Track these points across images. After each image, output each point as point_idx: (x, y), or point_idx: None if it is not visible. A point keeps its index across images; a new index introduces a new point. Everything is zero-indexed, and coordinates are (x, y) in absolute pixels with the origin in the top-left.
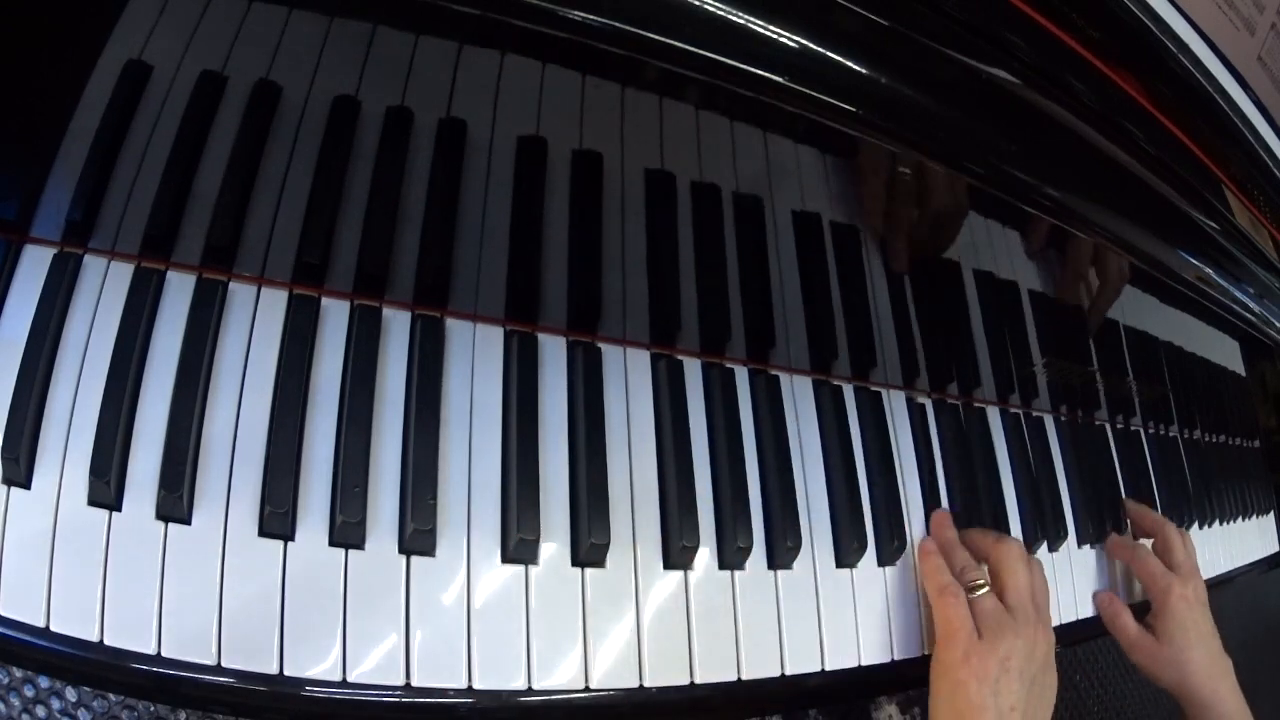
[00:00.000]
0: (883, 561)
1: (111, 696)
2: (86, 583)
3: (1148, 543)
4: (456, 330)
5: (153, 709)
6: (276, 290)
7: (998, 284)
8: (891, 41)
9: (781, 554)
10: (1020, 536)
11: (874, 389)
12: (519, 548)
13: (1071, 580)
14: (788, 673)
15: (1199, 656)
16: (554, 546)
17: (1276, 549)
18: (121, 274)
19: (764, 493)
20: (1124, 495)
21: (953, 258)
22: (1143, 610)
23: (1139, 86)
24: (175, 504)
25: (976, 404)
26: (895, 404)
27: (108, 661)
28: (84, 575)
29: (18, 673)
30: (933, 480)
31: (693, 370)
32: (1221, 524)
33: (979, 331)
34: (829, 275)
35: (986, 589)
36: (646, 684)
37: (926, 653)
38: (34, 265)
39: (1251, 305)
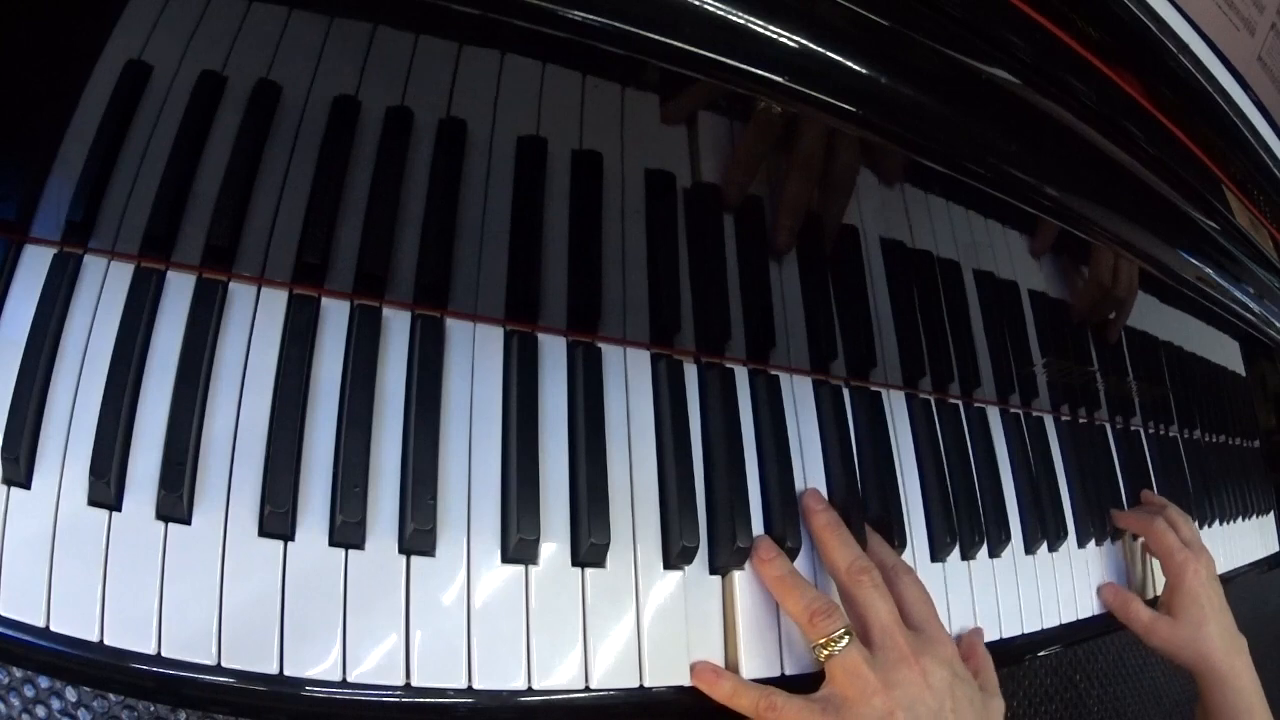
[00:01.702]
0: None
1: (111, 696)
2: (86, 583)
3: None
4: (456, 330)
5: (153, 709)
6: (276, 290)
7: (998, 284)
8: (891, 41)
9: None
10: (1020, 536)
11: (874, 389)
12: (519, 548)
13: (1071, 580)
14: (788, 673)
15: (1216, 631)
16: (554, 546)
17: (1276, 549)
18: (121, 274)
19: (763, 493)
20: (1124, 495)
21: (952, 257)
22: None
23: (1139, 86)
24: (175, 504)
25: (976, 404)
26: (895, 404)
27: (108, 661)
28: (84, 575)
29: (18, 673)
30: (933, 480)
31: (692, 370)
32: (1221, 524)
33: (979, 331)
34: (829, 275)
35: (845, 641)
36: (646, 684)
37: None
38: (34, 265)
39: (1251, 305)
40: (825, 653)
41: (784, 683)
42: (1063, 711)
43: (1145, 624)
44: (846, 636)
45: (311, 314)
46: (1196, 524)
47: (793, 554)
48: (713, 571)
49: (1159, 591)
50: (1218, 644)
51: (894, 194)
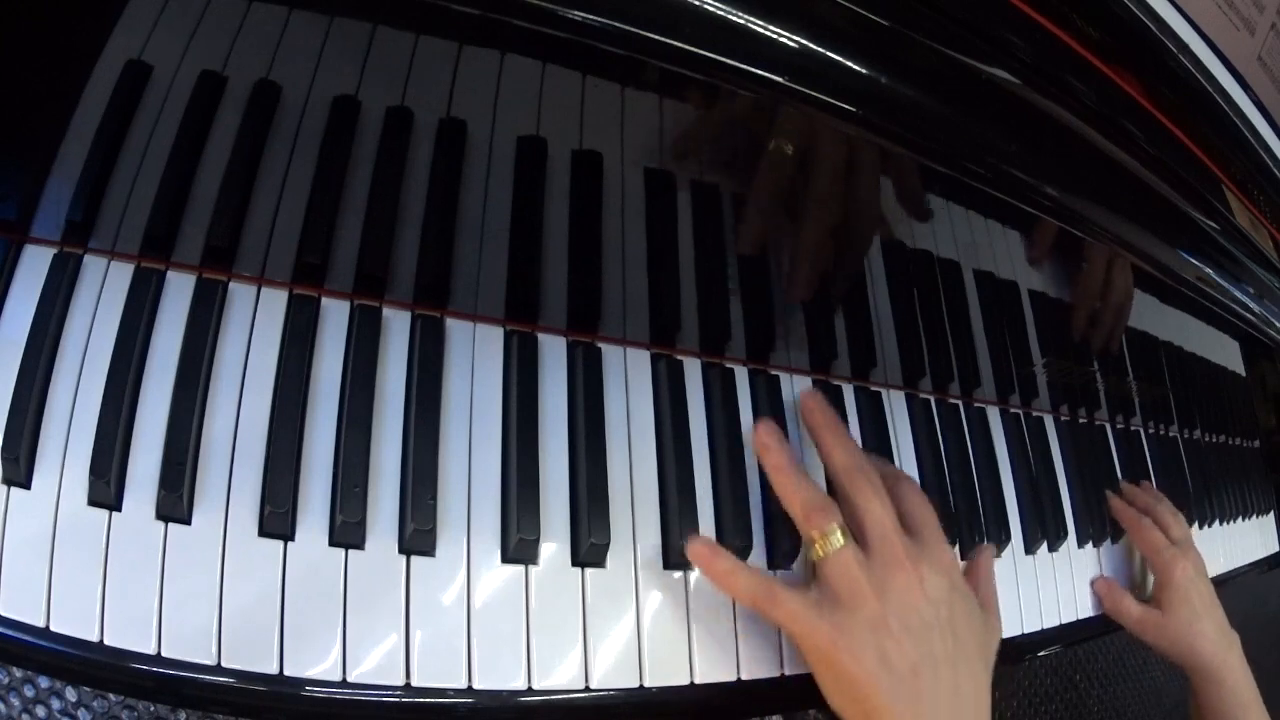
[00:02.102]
0: None
1: (111, 696)
2: (86, 583)
3: None
4: (456, 330)
5: (153, 709)
6: (276, 290)
7: (998, 284)
8: (891, 41)
9: (781, 554)
10: (1020, 536)
11: (874, 389)
12: (519, 548)
13: (1071, 580)
14: (788, 673)
15: (1208, 627)
16: (554, 546)
17: (1276, 549)
18: (121, 274)
19: (764, 493)
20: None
21: (952, 257)
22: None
23: (1139, 86)
24: (175, 504)
25: (976, 404)
26: (895, 404)
27: (108, 661)
28: (84, 575)
29: (18, 673)
30: (933, 480)
31: (693, 370)
32: (1221, 524)
33: (979, 331)
34: (828, 275)
35: (841, 542)
36: (647, 684)
37: None
38: (34, 265)
39: (1251, 305)
40: (819, 547)
41: (783, 684)
42: (1063, 711)
43: (1136, 618)
44: (841, 536)
45: (311, 314)
46: (1196, 524)
47: (793, 554)
48: None
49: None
50: (1210, 640)
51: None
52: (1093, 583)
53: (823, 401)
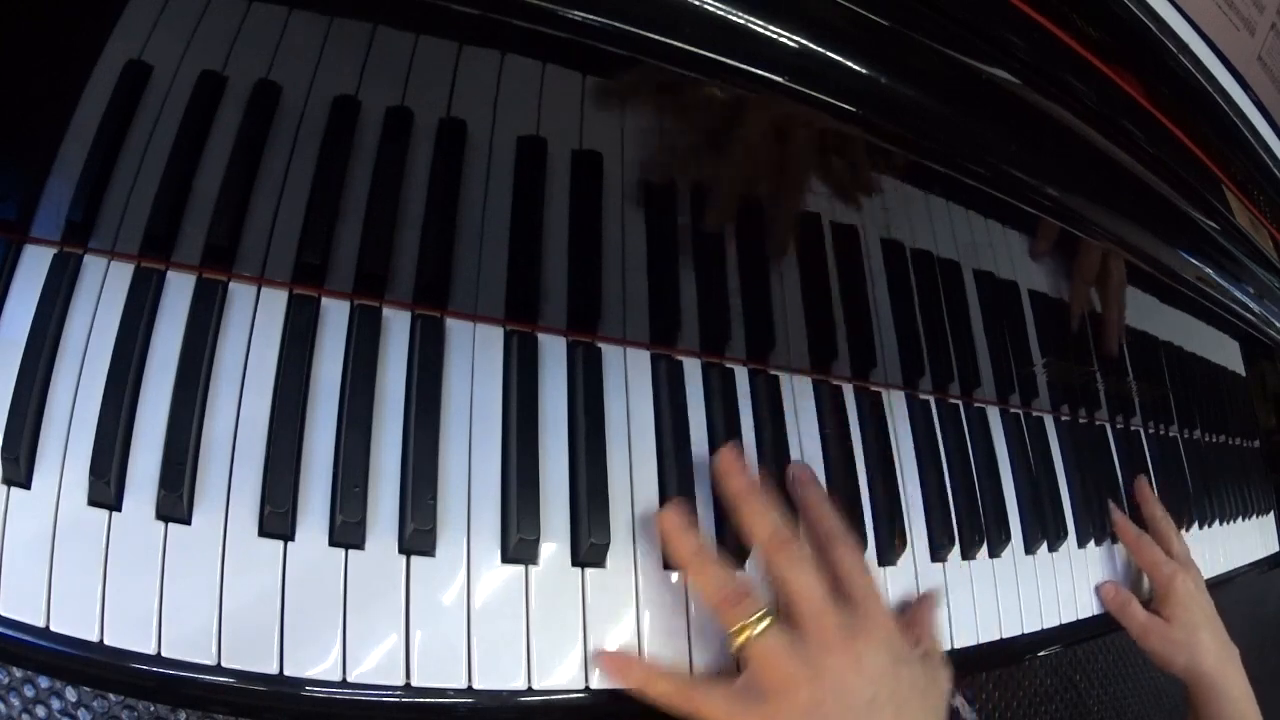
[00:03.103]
0: (882, 561)
1: (111, 696)
2: (86, 583)
3: None
4: (456, 330)
5: (153, 709)
6: (276, 290)
7: (998, 284)
8: (891, 41)
9: None
10: (1020, 536)
11: (874, 389)
12: (519, 548)
13: (1071, 580)
14: None
15: (1208, 638)
16: (554, 546)
17: (1276, 549)
18: (121, 274)
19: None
20: (1124, 495)
21: (952, 257)
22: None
23: (1139, 86)
24: (175, 504)
25: (976, 404)
26: (895, 404)
27: (108, 661)
28: (84, 575)
29: (18, 673)
30: (933, 480)
31: (693, 370)
32: (1221, 524)
33: (979, 331)
34: (829, 275)
35: (764, 625)
36: None
37: None
38: (34, 265)
39: (1251, 305)
40: (740, 639)
41: None
42: (1063, 711)
43: (1141, 624)
44: (765, 619)
45: (311, 314)
46: (1196, 524)
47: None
48: None
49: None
50: (1211, 651)
51: (894, 194)
52: (1099, 586)
53: (740, 463)
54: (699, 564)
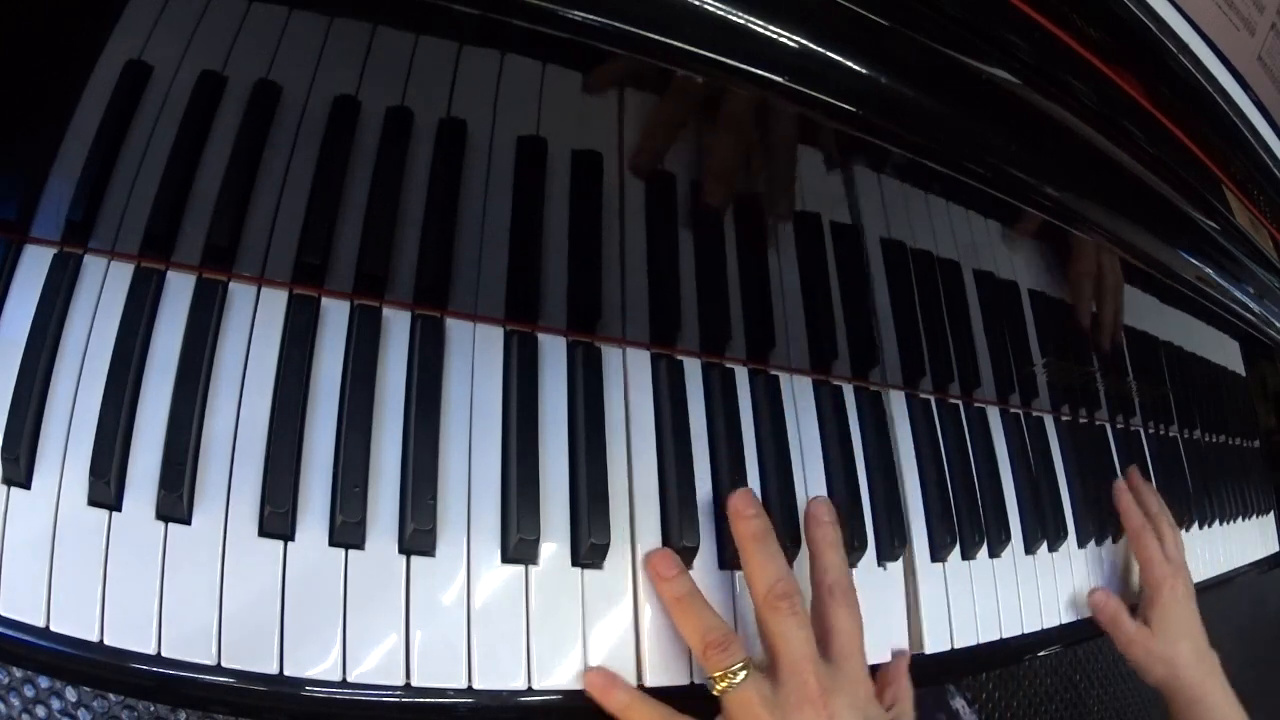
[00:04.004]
0: (883, 561)
1: (111, 696)
2: (86, 583)
3: None
4: (456, 330)
5: (153, 709)
6: (276, 290)
7: (998, 284)
8: (891, 41)
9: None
10: (1020, 536)
11: (874, 389)
12: (519, 548)
13: (1072, 580)
14: None
15: (1186, 650)
16: (554, 546)
17: (1276, 549)
18: (121, 274)
19: (763, 493)
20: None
21: (952, 258)
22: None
23: (1139, 86)
24: (175, 504)
25: (976, 404)
26: (895, 404)
27: (108, 661)
28: (84, 575)
29: (18, 673)
30: (933, 480)
31: (693, 370)
32: (1221, 524)
33: (979, 331)
34: (829, 275)
35: (742, 676)
36: (647, 683)
37: (924, 652)
38: (34, 265)
39: (1251, 305)
40: (721, 686)
41: None
42: (1063, 711)
43: (1129, 636)
44: (744, 671)
45: (311, 314)
46: (1196, 524)
47: (793, 552)
48: (722, 568)
49: None
50: (1188, 662)
51: (894, 193)
52: (1091, 593)
53: (755, 506)
54: (686, 608)
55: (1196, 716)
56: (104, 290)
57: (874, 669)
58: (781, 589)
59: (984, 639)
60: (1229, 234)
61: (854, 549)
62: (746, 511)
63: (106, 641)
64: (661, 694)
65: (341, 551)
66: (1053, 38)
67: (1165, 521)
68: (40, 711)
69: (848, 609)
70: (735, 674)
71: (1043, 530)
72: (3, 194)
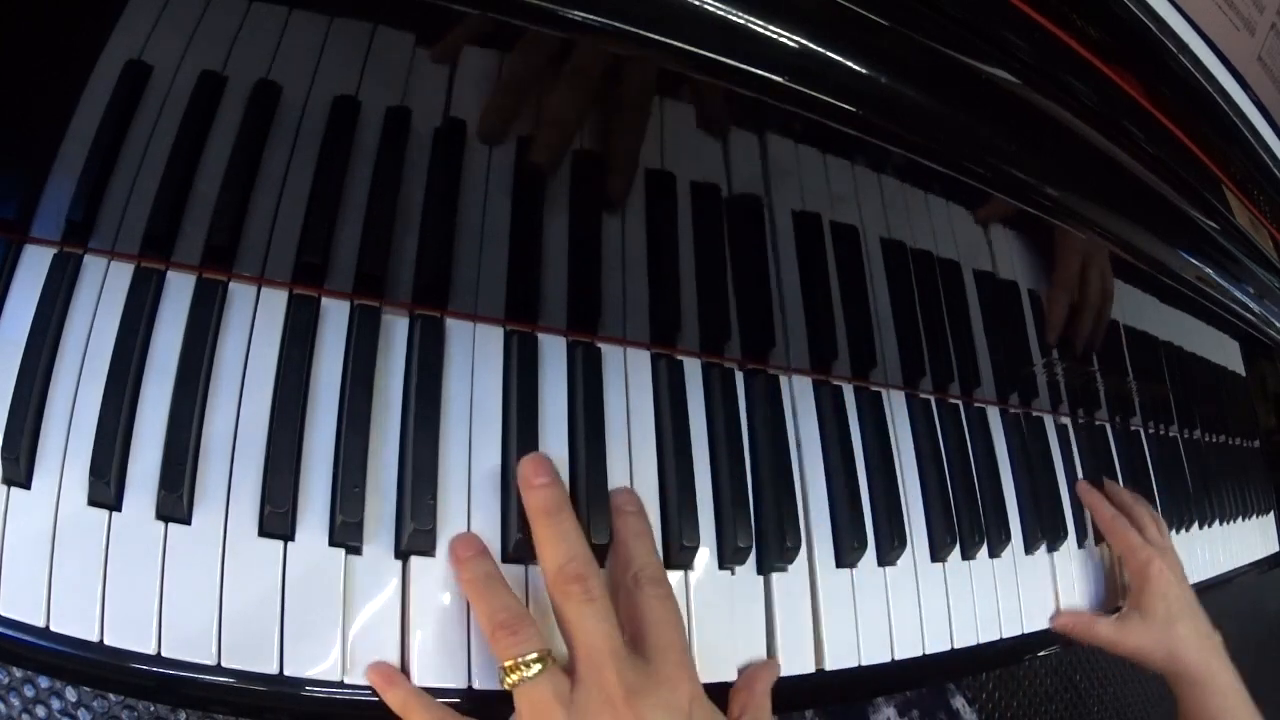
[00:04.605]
0: (883, 561)
1: (111, 696)
2: (86, 583)
3: None
4: (456, 330)
5: (153, 709)
6: (276, 290)
7: (998, 284)
8: (891, 41)
9: (782, 554)
10: (1020, 536)
11: (874, 389)
12: (519, 548)
13: (1072, 580)
14: (785, 673)
15: (1186, 630)
16: None
17: (1276, 549)
18: (121, 274)
19: (762, 494)
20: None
21: (952, 258)
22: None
23: (1139, 86)
24: (175, 504)
25: (976, 404)
26: (895, 404)
27: (108, 661)
28: (84, 575)
29: (18, 673)
30: (933, 480)
31: (693, 370)
32: (1221, 524)
33: (979, 331)
34: (829, 275)
35: (536, 669)
36: None
37: (924, 652)
38: (34, 265)
39: (1251, 305)
40: (511, 678)
41: (780, 682)
42: (1063, 712)
43: (1111, 636)
44: (539, 664)
45: (311, 314)
46: (1196, 524)
47: (793, 552)
48: (721, 568)
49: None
50: (1191, 643)
51: (894, 193)
52: (1054, 617)
53: (546, 475)
54: (481, 589)
55: (1201, 699)
56: (104, 290)
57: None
58: (574, 570)
59: (984, 639)
60: (1229, 234)
61: (854, 549)
62: (536, 480)
63: (106, 641)
64: None
65: (341, 551)
66: (1053, 38)
67: (1144, 511)
68: (40, 711)
69: (660, 599)
70: (528, 665)
71: (1042, 530)
72: (3, 194)
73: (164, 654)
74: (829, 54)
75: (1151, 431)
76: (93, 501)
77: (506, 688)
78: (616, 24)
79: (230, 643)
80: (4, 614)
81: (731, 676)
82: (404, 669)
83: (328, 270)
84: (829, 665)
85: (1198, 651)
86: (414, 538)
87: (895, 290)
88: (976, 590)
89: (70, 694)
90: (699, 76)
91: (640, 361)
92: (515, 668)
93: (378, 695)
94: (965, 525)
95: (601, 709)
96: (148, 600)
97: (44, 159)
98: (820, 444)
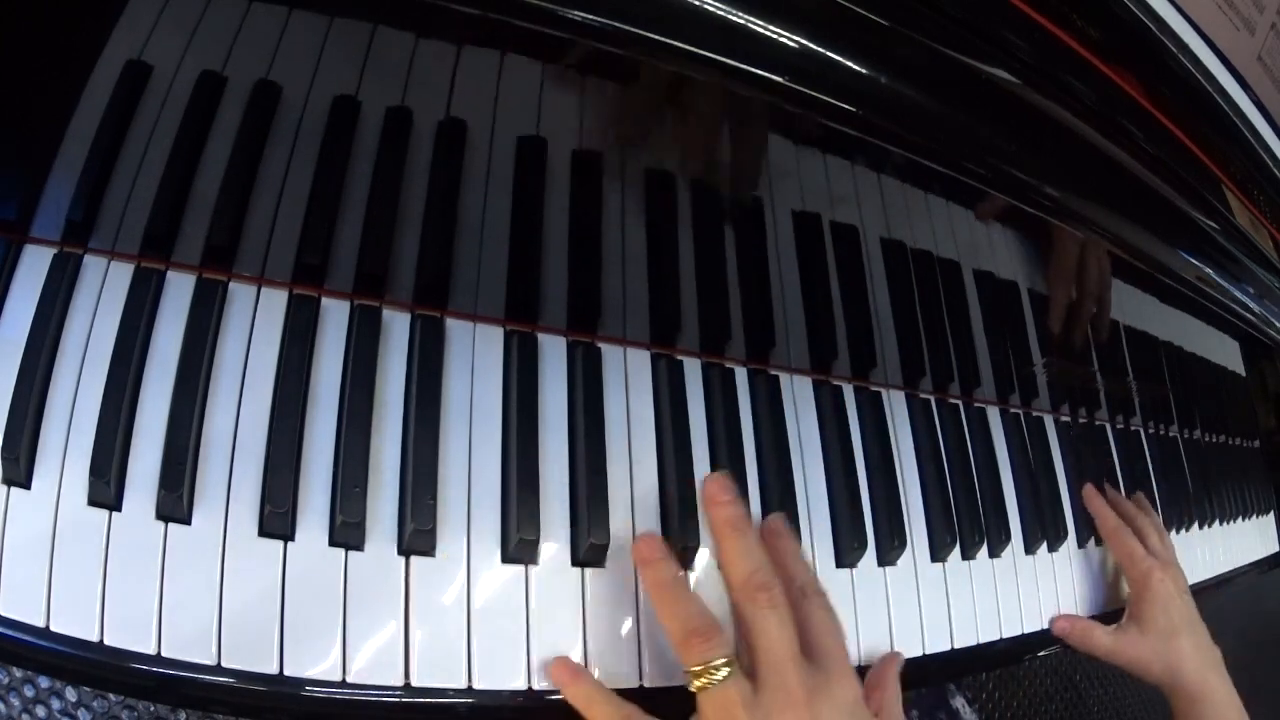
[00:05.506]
0: (883, 562)
1: (111, 696)
2: (86, 583)
3: None
4: (456, 330)
5: (153, 709)
6: (276, 290)
7: (998, 284)
8: (891, 41)
9: None
10: (1020, 536)
11: (874, 389)
12: (519, 548)
13: (1071, 581)
14: None
15: (1185, 643)
16: (554, 546)
17: (1276, 549)
18: (121, 274)
19: (763, 494)
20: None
21: (952, 258)
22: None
23: (1139, 86)
24: (175, 504)
25: (976, 404)
26: (895, 404)
27: (108, 661)
28: (84, 575)
29: (18, 673)
30: (933, 480)
31: (693, 370)
32: (1221, 524)
33: (979, 331)
34: (829, 275)
35: (725, 673)
36: (646, 684)
37: (924, 652)
38: (34, 265)
39: (1251, 305)
40: (699, 682)
41: None
42: (1063, 712)
43: (1109, 646)
44: (726, 668)
45: (311, 314)
46: (1196, 524)
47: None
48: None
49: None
50: (1189, 658)
51: (894, 194)
52: (1052, 622)
53: (731, 492)
54: (671, 595)
55: (1197, 715)
56: (104, 290)
57: (862, 672)
58: (760, 579)
59: (984, 639)
60: (1229, 234)
61: (854, 549)
62: (721, 497)
63: (106, 641)
64: (662, 696)
65: (341, 551)
66: (1053, 38)
67: (1148, 522)
68: (40, 711)
69: (825, 609)
70: (716, 670)
71: (1043, 530)
72: (3, 194)
73: (164, 654)
74: (829, 54)
75: (1151, 431)
76: (93, 501)
77: (693, 690)
78: (616, 24)
79: (230, 643)
80: (4, 614)
81: None
82: (405, 668)
83: (328, 270)
84: None
85: (1196, 666)
86: (414, 538)
87: (895, 290)
88: (976, 590)
89: (70, 694)
90: (699, 76)
91: (640, 361)
92: (704, 672)
93: (559, 691)
94: (965, 525)
95: (785, 709)
96: (148, 600)
97: (44, 159)
98: (820, 444)
